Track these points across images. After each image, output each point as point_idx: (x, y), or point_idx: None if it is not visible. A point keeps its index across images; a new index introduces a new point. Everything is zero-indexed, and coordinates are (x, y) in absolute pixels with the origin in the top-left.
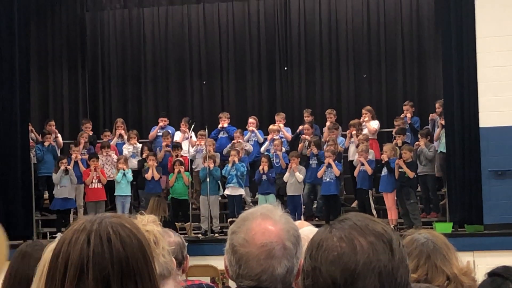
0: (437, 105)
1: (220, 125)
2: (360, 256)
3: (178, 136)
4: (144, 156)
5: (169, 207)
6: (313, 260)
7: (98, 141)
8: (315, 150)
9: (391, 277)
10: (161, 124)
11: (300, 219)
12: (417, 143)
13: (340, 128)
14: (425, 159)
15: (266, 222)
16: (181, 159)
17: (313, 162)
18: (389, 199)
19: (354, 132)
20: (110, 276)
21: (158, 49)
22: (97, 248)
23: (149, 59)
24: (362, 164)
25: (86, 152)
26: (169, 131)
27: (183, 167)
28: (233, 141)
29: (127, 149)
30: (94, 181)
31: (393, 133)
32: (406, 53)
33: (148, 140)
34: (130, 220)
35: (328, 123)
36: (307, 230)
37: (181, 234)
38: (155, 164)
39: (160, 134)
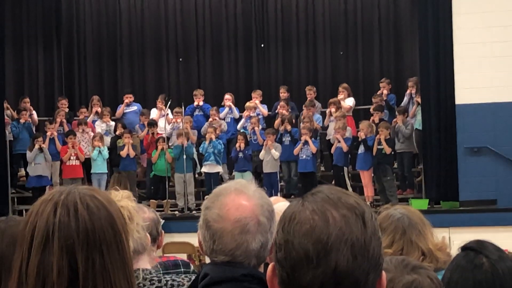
0: (410, 83)
1: (195, 103)
2: (333, 228)
3: (154, 113)
4: (117, 133)
5: (150, 183)
6: (285, 233)
7: (74, 118)
8: (288, 127)
9: (364, 249)
10: (126, 101)
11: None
12: (394, 120)
13: (319, 105)
14: (402, 136)
15: (240, 197)
16: (163, 136)
17: (286, 139)
18: (366, 177)
19: (333, 110)
20: (75, 245)
21: (134, 26)
22: (63, 217)
23: (125, 36)
24: (339, 142)
25: (62, 130)
26: (136, 107)
27: (166, 144)
28: (209, 119)
29: (100, 127)
30: (71, 158)
31: (371, 110)
32: (382, 29)
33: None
34: (103, 193)
35: (307, 101)
36: (281, 206)
37: (158, 211)
38: (131, 142)
39: (128, 111)
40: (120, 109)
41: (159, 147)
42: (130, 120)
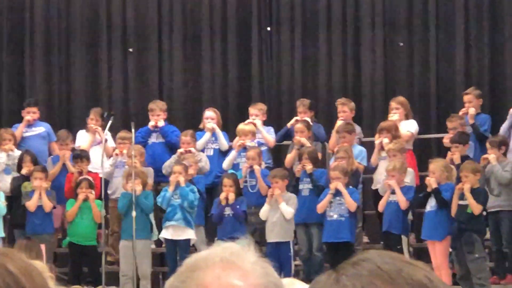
0: None
1: (151, 123)
2: None
3: (83, 139)
4: (24, 171)
5: (63, 258)
6: None
7: None
8: (308, 167)
9: None
10: (28, 118)
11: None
12: (484, 157)
13: (358, 128)
14: (499, 184)
15: (229, 274)
16: (88, 177)
17: (305, 186)
18: (439, 252)
19: (386, 140)
20: None
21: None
22: None
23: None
24: (393, 192)
25: None
26: (44, 128)
27: (92, 192)
28: (178, 150)
29: None
30: None
31: (446, 141)
32: (470, 12)
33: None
34: (22, 262)
35: (338, 122)
36: None
37: None
38: (45, 186)
39: (29, 134)
40: (18, 130)
41: (80, 196)
42: (32, 149)
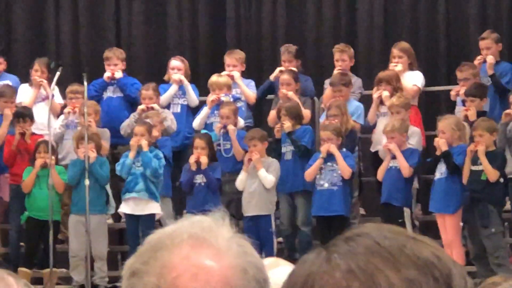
0: None
1: (107, 74)
2: None
3: (25, 94)
4: None
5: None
6: None
7: None
8: (286, 125)
9: None
10: None
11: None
12: (506, 112)
13: (359, 82)
14: None
15: (199, 253)
16: (47, 140)
17: (288, 149)
18: (450, 227)
19: (386, 93)
20: None
21: None
22: None
23: None
24: (394, 157)
25: None
26: (10, 83)
27: (52, 158)
28: (139, 107)
29: None
30: None
31: (455, 93)
32: None
33: None
34: None
35: (335, 72)
36: (283, 273)
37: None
38: None
39: None
40: None
41: (38, 162)
42: None
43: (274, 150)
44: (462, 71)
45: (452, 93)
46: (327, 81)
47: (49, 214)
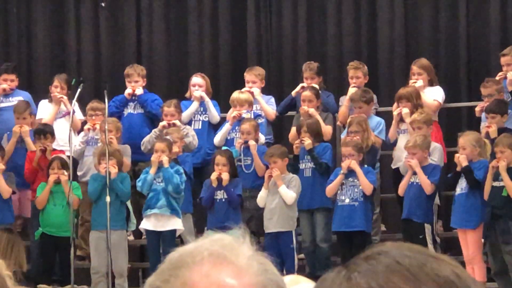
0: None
1: (128, 90)
2: None
3: (45, 111)
4: None
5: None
6: None
7: None
8: (307, 142)
9: None
10: (3, 86)
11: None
12: None
13: (375, 98)
14: None
15: (220, 271)
16: (62, 155)
17: (306, 166)
18: (471, 242)
19: (407, 110)
20: None
21: None
22: None
23: None
24: (415, 173)
25: None
26: (23, 98)
27: (66, 173)
28: (160, 123)
29: None
30: None
31: (479, 109)
32: None
33: None
34: None
35: (351, 89)
36: None
37: None
38: (2, 167)
39: (6, 105)
40: None
41: (51, 178)
42: (8, 123)
43: (291, 166)
44: (486, 87)
45: (477, 109)
46: (341, 98)
47: (64, 230)
